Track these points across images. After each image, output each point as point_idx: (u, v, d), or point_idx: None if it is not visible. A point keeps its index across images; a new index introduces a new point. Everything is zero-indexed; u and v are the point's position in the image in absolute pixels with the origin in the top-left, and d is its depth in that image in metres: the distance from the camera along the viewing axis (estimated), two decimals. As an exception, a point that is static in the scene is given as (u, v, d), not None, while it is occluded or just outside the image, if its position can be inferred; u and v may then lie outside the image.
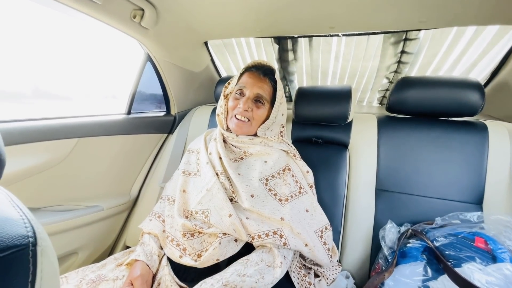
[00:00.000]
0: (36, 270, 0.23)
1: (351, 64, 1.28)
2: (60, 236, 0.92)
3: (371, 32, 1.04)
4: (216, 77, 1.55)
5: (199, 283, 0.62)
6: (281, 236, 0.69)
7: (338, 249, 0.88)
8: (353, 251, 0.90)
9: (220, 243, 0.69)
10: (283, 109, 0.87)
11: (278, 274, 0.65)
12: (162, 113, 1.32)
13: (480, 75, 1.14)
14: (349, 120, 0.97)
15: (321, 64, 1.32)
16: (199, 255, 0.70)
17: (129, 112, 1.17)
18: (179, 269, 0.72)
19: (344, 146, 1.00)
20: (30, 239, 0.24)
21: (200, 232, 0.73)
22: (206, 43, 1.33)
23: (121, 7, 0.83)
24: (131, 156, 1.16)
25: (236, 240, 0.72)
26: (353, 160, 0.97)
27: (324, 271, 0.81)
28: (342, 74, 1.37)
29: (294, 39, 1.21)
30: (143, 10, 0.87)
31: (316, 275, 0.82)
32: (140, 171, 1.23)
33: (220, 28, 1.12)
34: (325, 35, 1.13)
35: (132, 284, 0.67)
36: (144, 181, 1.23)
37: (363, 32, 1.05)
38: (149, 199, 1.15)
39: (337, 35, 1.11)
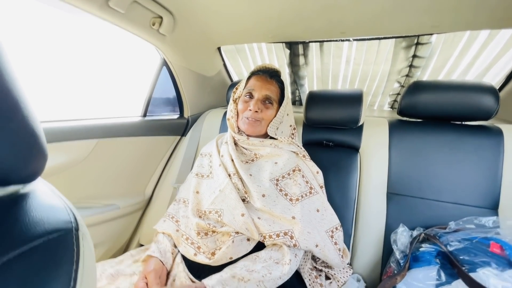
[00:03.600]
0: (79, 251, 0.26)
1: (362, 68, 1.29)
2: None
3: (382, 36, 1.06)
4: (228, 81, 1.58)
5: (210, 276, 0.65)
6: (291, 237, 0.70)
7: (349, 252, 0.88)
8: (364, 254, 0.89)
9: (233, 241, 0.71)
10: (288, 109, 0.89)
11: (286, 271, 0.66)
12: (176, 116, 1.36)
13: (494, 79, 1.12)
14: (360, 123, 0.98)
15: (332, 68, 1.34)
16: (213, 253, 0.72)
17: (145, 115, 1.22)
18: (193, 267, 0.74)
19: (355, 149, 1.01)
20: (73, 224, 0.27)
21: (213, 231, 0.75)
22: (219, 48, 1.37)
23: (142, 15, 0.88)
24: (146, 157, 1.20)
25: (248, 239, 0.74)
26: (364, 163, 0.97)
27: (335, 273, 0.81)
28: (352, 78, 1.38)
29: (305, 44, 1.23)
30: (161, 17, 0.92)
31: (327, 277, 0.82)
32: (154, 172, 1.27)
33: (233, 34, 1.16)
34: (336, 40, 1.15)
35: (146, 278, 0.69)
36: (158, 182, 1.27)
37: (374, 37, 1.06)
38: (163, 199, 1.19)
39: (348, 40, 1.13)
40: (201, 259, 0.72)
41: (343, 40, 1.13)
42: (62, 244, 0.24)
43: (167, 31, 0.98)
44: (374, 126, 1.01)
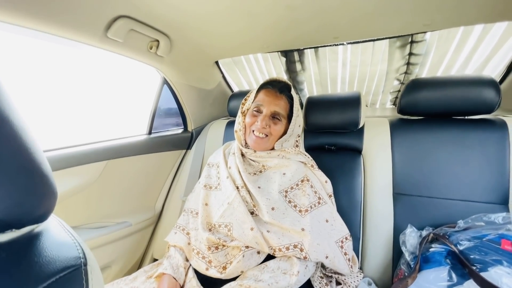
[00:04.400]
0: (89, 285, 0.28)
1: (359, 70, 1.29)
2: (95, 251, 1.00)
3: (375, 38, 1.06)
4: (228, 92, 1.61)
5: None
6: (301, 250, 0.71)
7: (358, 256, 0.88)
8: (374, 257, 0.89)
9: (243, 256, 0.72)
10: (299, 121, 0.89)
11: (294, 282, 0.67)
12: (180, 130, 1.40)
13: (494, 71, 1.10)
14: (360, 125, 0.98)
15: (329, 72, 1.34)
16: (224, 268, 0.73)
17: (150, 132, 1.26)
18: (205, 280, 0.75)
19: (358, 151, 1.01)
20: (82, 259, 0.29)
21: (223, 245, 0.76)
22: (217, 62, 1.40)
23: (139, 41, 0.92)
24: (154, 173, 1.24)
25: (258, 252, 0.75)
26: (367, 165, 0.97)
27: (345, 279, 0.81)
28: (351, 80, 1.38)
29: (300, 51, 1.25)
30: (158, 41, 0.96)
31: (338, 283, 0.82)
32: (163, 186, 1.30)
33: (229, 48, 1.19)
34: (330, 45, 1.16)
35: None
36: (166, 196, 1.30)
37: (367, 39, 1.06)
38: (172, 212, 1.22)
39: (342, 44, 1.14)
40: (213, 273, 0.74)
41: (337, 45, 1.14)
42: (72, 280, 0.27)
43: (165, 53, 1.01)
44: (375, 127, 1.01)
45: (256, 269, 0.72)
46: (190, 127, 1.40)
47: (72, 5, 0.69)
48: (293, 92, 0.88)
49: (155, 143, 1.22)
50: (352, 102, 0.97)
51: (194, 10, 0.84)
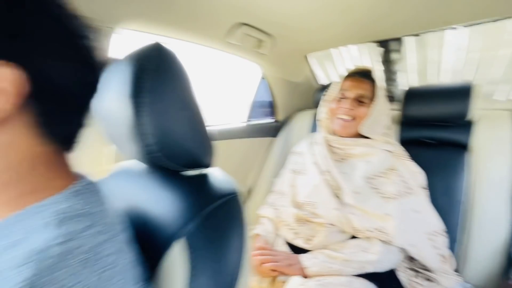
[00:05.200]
0: (244, 207, 0.43)
1: (469, 56, 1.11)
2: None
3: (503, 17, 0.89)
4: (315, 84, 1.66)
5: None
6: (385, 233, 0.73)
7: (456, 258, 0.82)
8: (478, 263, 0.81)
9: (328, 232, 0.79)
10: (386, 109, 0.89)
11: (375, 259, 0.70)
12: (270, 120, 1.57)
13: None
14: (469, 117, 0.88)
15: (431, 60, 1.21)
16: (309, 239, 0.82)
17: (246, 120, 1.47)
18: (292, 248, 0.86)
19: (462, 147, 0.91)
20: (237, 191, 0.44)
21: (309, 221, 0.85)
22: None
23: (250, 43, 1.08)
24: (249, 154, 1.44)
25: (342, 231, 0.80)
26: (477, 162, 0.87)
27: (437, 277, 0.78)
28: (457, 68, 1.20)
29: (399, 39, 1.17)
30: (263, 40, 1.11)
31: (428, 280, 0.79)
32: (254, 167, 1.49)
33: (321, 41, 1.22)
34: (435, 30, 1.04)
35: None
36: (257, 176, 1.49)
37: (490, 20, 0.91)
38: (262, 190, 1.39)
39: (454, 28, 1.01)
40: (299, 243, 0.83)
41: (444, 29, 1.02)
42: (236, 202, 0.42)
43: (267, 51, 1.16)
44: (490, 121, 0.89)
45: (337, 244, 0.78)
46: (279, 117, 1.54)
47: (199, 16, 0.86)
48: (375, 77, 0.91)
49: (250, 129, 1.42)
50: (461, 92, 0.88)
51: (296, 9, 0.90)
